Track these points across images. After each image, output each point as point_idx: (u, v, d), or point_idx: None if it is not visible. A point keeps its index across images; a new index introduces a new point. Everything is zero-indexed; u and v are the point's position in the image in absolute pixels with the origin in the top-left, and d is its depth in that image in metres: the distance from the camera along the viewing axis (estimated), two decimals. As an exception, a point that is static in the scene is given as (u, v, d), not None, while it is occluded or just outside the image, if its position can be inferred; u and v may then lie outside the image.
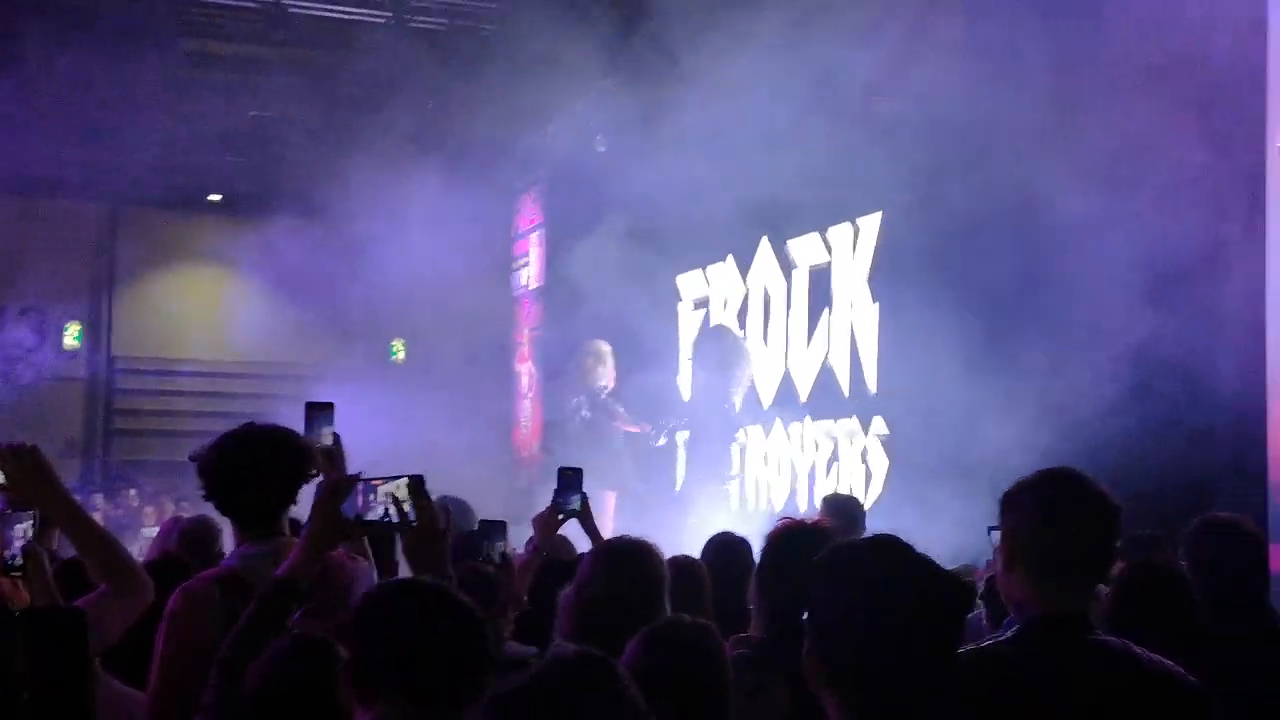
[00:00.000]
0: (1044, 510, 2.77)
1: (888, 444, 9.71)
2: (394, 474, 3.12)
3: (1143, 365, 6.92)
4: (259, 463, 3.57)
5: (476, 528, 4.68)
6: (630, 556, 3.55)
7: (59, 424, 17.12)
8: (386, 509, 3.09)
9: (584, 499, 4.90)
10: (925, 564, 2.22)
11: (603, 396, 12.17)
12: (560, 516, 4.87)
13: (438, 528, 3.09)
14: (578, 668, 2.12)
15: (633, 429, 12.07)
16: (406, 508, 3.07)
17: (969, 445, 7.71)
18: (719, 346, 11.83)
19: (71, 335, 18.33)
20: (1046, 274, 7.63)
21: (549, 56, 11.00)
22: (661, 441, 12.06)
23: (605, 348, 12.38)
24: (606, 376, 12.29)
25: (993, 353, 7.83)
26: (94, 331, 18.42)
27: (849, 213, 10.26)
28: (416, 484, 3.08)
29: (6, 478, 3.37)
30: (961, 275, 8.44)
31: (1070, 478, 2.82)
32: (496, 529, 4.58)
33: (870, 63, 8.91)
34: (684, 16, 9.90)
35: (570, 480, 4.91)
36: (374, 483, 3.11)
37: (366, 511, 3.10)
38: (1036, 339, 7.63)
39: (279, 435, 3.63)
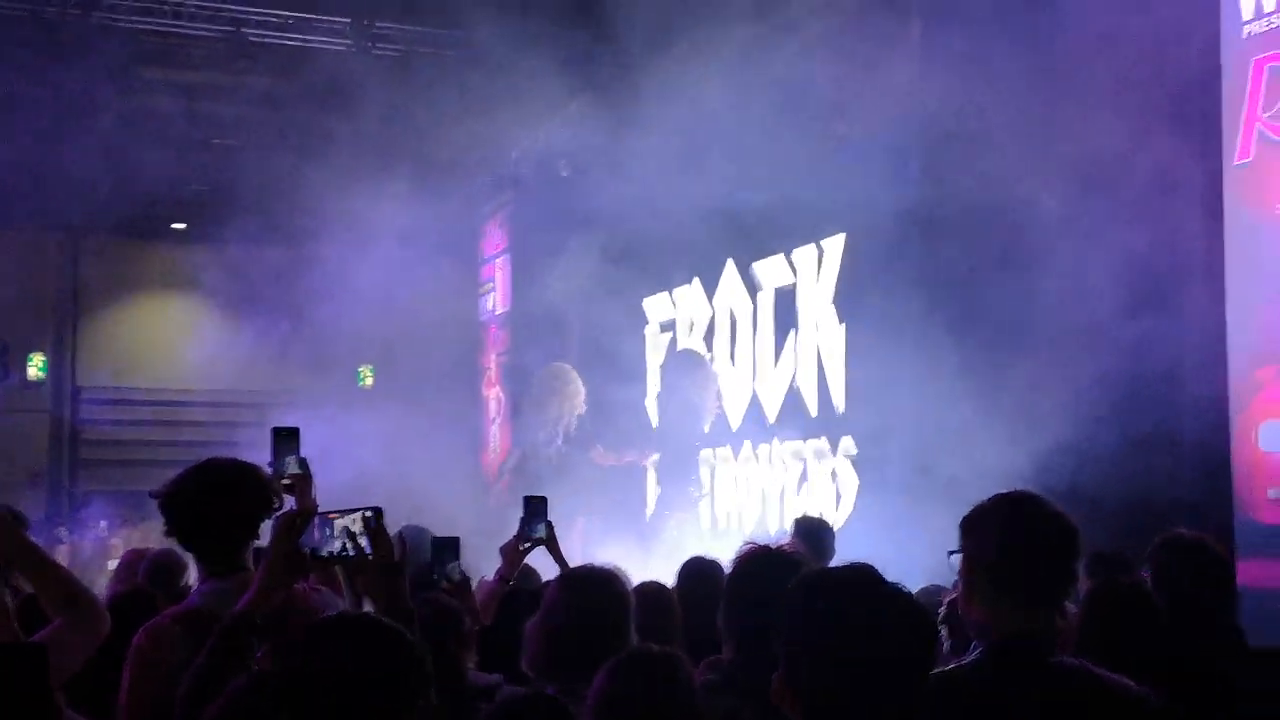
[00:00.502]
0: (1001, 534, 2.79)
1: (857, 463, 9.73)
2: (354, 506, 3.10)
3: (1111, 380, 6.95)
4: (220, 498, 3.56)
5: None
6: (595, 584, 3.54)
7: (24, 456, 16.98)
8: (344, 543, 3.07)
9: (550, 527, 4.88)
10: (895, 591, 2.24)
11: (574, 428, 12.19)
12: (526, 545, 4.85)
13: (394, 561, 3.08)
14: (529, 710, 2.12)
15: (611, 462, 12.07)
16: (363, 541, 3.05)
17: (937, 462, 7.73)
18: (687, 369, 11.85)
19: (35, 366, 18.18)
20: (1012, 290, 7.67)
21: (511, 82, 11.01)
22: (645, 462, 12.09)
23: (574, 372, 12.38)
24: (580, 403, 12.31)
25: (961, 369, 7.86)
26: (58, 362, 18.27)
27: (813, 234, 10.29)
28: (374, 517, 3.06)
29: None
30: (926, 293, 8.47)
31: (1027, 500, 2.85)
32: (449, 548, 4.55)
33: (834, 81, 8.93)
34: (646, 41, 9.93)
35: (536, 508, 4.89)
36: (331, 516, 3.09)
37: (323, 545, 3.09)
38: (1005, 355, 7.66)
39: (240, 470, 3.63)
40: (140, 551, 6.06)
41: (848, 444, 9.82)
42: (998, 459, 6.71)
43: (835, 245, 10.06)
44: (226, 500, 3.56)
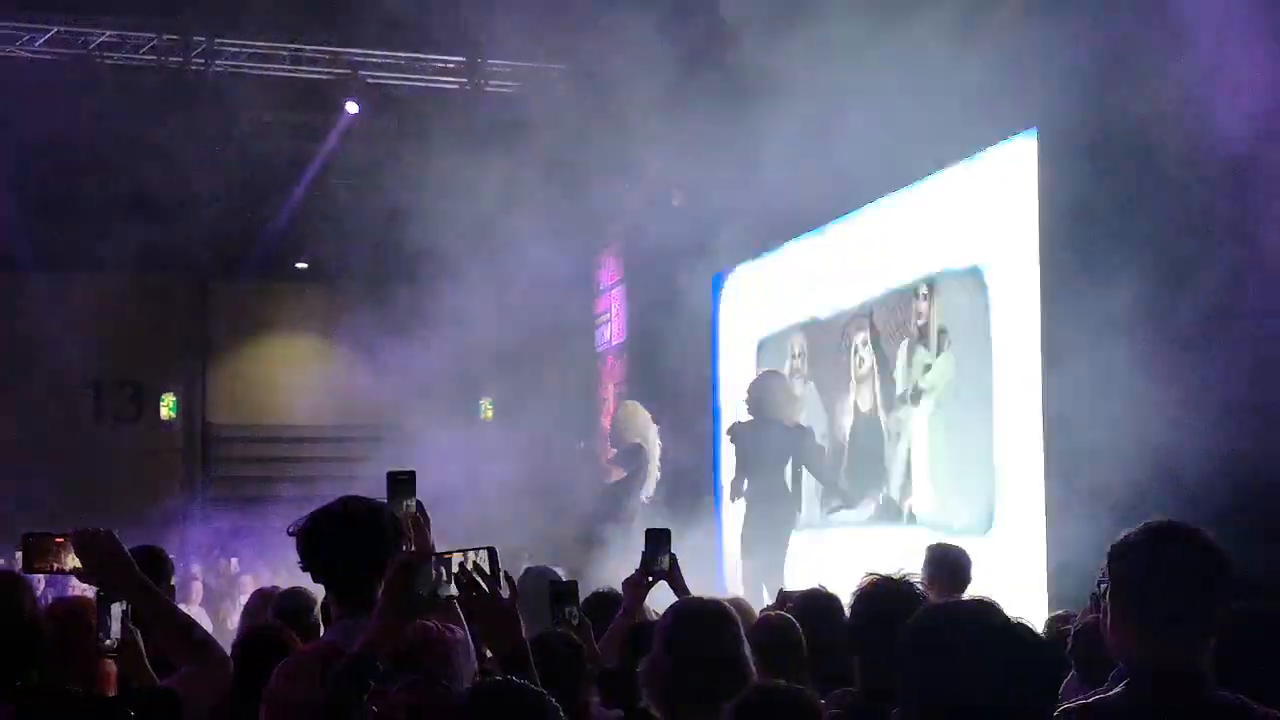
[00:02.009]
0: (1152, 564, 2.74)
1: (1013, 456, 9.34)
2: (470, 545, 3.10)
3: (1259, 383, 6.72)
4: (356, 536, 3.58)
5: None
6: (703, 617, 3.47)
7: (157, 494, 17.36)
8: (459, 583, 3.07)
9: (673, 559, 4.83)
10: (1015, 630, 2.19)
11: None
12: (650, 578, 4.80)
13: (508, 601, 3.08)
14: None
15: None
16: (480, 581, 3.06)
17: (1096, 462, 7.35)
18: (775, 386, 11.66)
19: (167, 406, 18.65)
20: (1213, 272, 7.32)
21: (621, 114, 11.06)
22: None
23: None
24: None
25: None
26: (188, 402, 18.73)
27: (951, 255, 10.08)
28: (489, 557, 3.06)
29: (81, 562, 3.39)
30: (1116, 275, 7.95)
31: (1178, 530, 2.80)
32: (568, 592, 4.54)
33: (977, 82, 8.48)
34: (757, 68, 9.85)
35: (658, 540, 4.84)
36: (447, 556, 3.09)
37: (438, 586, 3.09)
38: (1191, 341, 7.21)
39: (374, 508, 3.66)
40: (268, 591, 6.11)
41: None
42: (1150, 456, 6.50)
43: (971, 248, 9.76)
44: (362, 537, 3.58)
